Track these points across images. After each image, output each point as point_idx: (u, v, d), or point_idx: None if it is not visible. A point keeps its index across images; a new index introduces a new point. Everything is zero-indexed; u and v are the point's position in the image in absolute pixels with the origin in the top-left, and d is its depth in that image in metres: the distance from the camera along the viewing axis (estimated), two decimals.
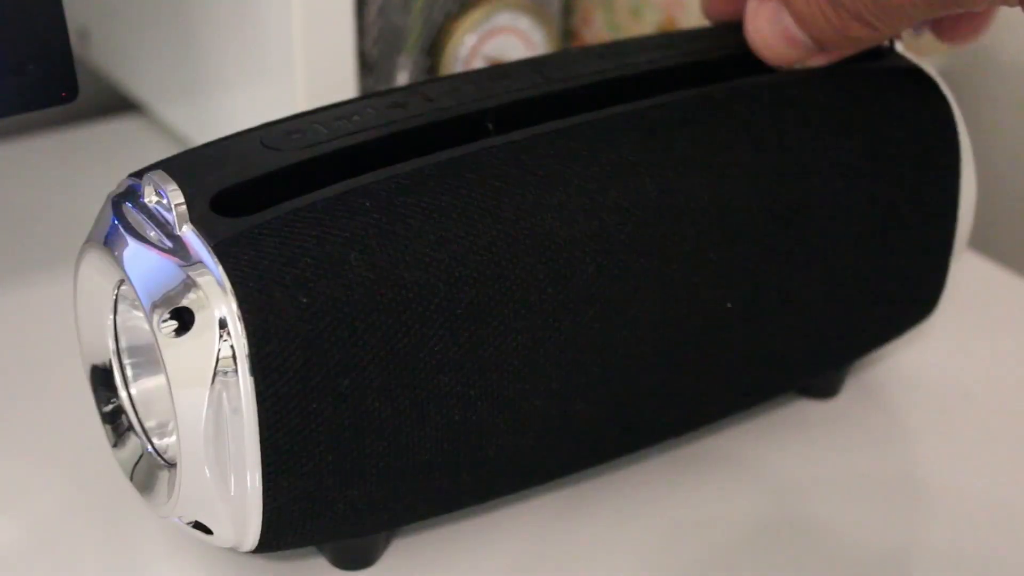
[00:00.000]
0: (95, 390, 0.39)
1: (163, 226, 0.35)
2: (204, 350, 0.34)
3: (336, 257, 0.34)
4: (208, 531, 0.37)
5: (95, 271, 0.37)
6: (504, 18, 0.57)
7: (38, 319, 0.51)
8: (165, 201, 0.35)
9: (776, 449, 0.44)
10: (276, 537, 0.36)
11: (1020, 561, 0.41)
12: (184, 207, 0.35)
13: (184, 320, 0.34)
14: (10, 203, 0.60)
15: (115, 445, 0.39)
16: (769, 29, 0.40)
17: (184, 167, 0.36)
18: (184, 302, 0.34)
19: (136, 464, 0.39)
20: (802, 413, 0.46)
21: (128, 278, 0.35)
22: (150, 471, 0.38)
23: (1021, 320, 0.52)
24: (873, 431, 0.46)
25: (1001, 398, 0.47)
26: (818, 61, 0.41)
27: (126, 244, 0.35)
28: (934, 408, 0.47)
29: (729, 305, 0.39)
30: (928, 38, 0.44)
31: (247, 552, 0.37)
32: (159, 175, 0.35)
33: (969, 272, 0.53)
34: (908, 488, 0.44)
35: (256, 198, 0.35)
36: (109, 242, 0.36)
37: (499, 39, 0.57)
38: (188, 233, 0.34)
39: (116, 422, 0.39)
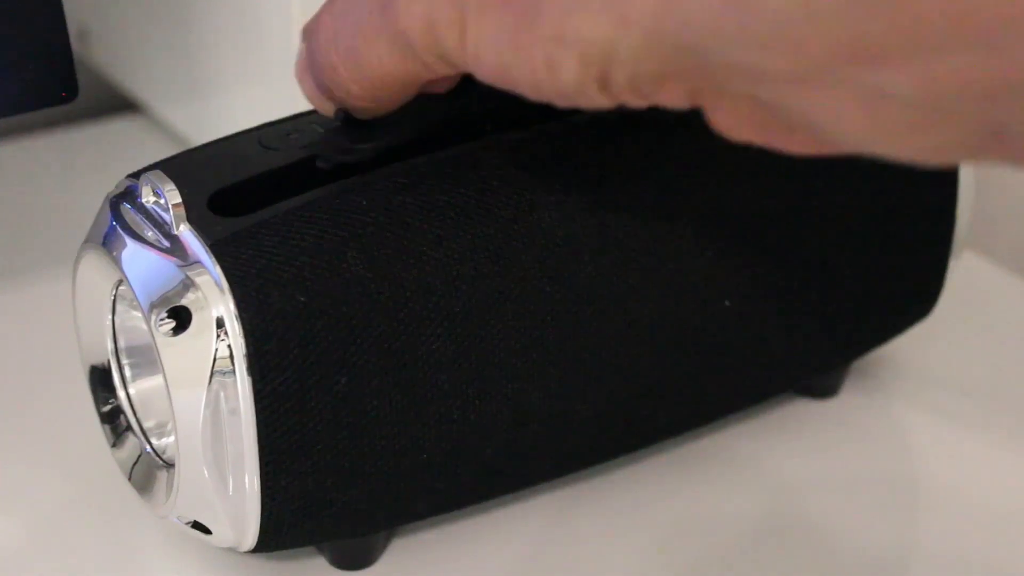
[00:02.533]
0: (94, 390, 0.39)
1: (161, 226, 0.35)
2: (202, 350, 0.34)
3: (334, 256, 0.34)
4: (207, 531, 0.37)
5: (94, 271, 0.37)
6: None
7: (37, 319, 0.51)
8: (163, 201, 0.35)
9: (776, 449, 0.44)
10: (275, 537, 0.36)
11: (1020, 561, 0.41)
12: (181, 207, 0.35)
13: (182, 320, 0.34)
14: (10, 203, 0.60)
15: (114, 445, 0.39)
16: (302, 68, 0.36)
17: (182, 167, 0.36)
18: (182, 302, 0.34)
19: (135, 464, 0.39)
20: (802, 413, 0.46)
21: (126, 278, 0.35)
22: (149, 471, 0.38)
23: (1021, 320, 0.52)
24: (873, 431, 0.45)
25: (1001, 398, 0.47)
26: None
27: (124, 244, 0.35)
28: (934, 408, 0.47)
29: (728, 303, 0.39)
30: None
31: (246, 552, 0.37)
32: (156, 175, 0.36)
33: (969, 272, 0.53)
34: (908, 488, 0.44)
35: (254, 198, 0.35)
36: (107, 242, 0.36)
37: None
38: (186, 233, 0.34)
39: (115, 422, 0.39)
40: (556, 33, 0.29)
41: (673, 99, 0.29)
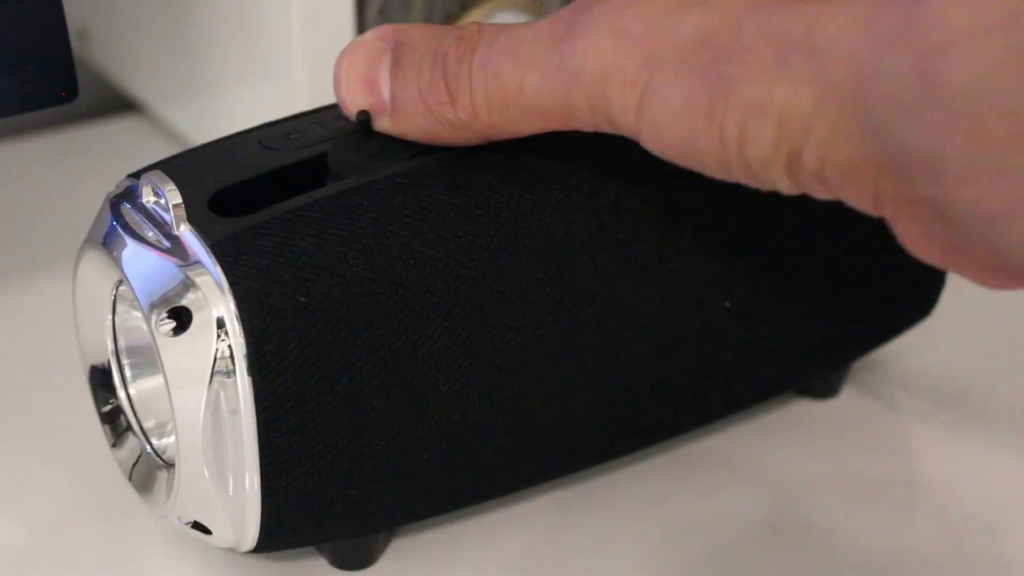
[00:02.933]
0: (94, 390, 0.39)
1: (161, 226, 0.35)
2: (202, 350, 0.34)
3: (334, 256, 0.34)
4: (207, 531, 0.37)
5: (94, 271, 0.37)
6: (504, 18, 0.57)
7: (38, 319, 0.51)
8: (163, 201, 0.35)
9: (776, 449, 0.44)
10: (275, 537, 0.36)
11: (1020, 561, 0.41)
12: (182, 207, 0.35)
13: (182, 320, 0.34)
14: (10, 203, 0.60)
15: (114, 445, 0.39)
16: (362, 62, 0.35)
17: (182, 167, 0.36)
18: (182, 302, 0.34)
19: (135, 464, 0.39)
20: (802, 413, 0.46)
21: (126, 278, 0.35)
22: (149, 471, 0.38)
23: (1021, 320, 0.52)
24: (873, 431, 0.45)
25: (1000, 398, 0.47)
26: (382, 124, 0.35)
27: (124, 244, 0.35)
28: (934, 408, 0.47)
29: (728, 304, 0.39)
30: None
31: (246, 552, 0.37)
32: (157, 175, 0.36)
33: None
34: (908, 488, 0.44)
35: (254, 198, 0.35)
36: (108, 242, 0.36)
37: None
38: (186, 233, 0.34)
39: (115, 422, 0.39)
40: (758, 100, 0.28)
41: (857, 198, 0.28)
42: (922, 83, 0.25)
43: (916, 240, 0.28)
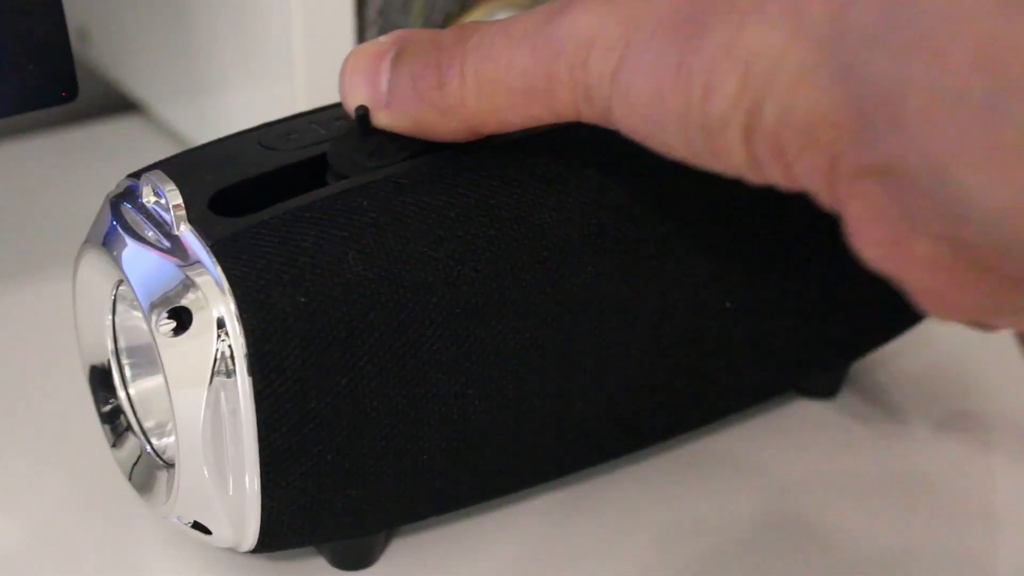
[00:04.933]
0: (94, 390, 0.39)
1: (161, 226, 0.35)
2: (202, 350, 0.34)
3: (334, 256, 0.34)
4: (207, 531, 0.37)
5: (94, 271, 0.37)
6: (504, 17, 0.57)
7: (38, 319, 0.51)
8: (163, 201, 0.35)
9: (776, 449, 0.44)
10: (275, 537, 0.36)
11: (1020, 561, 0.41)
12: (182, 207, 0.35)
13: (182, 320, 0.34)
14: (10, 203, 0.60)
15: (114, 445, 0.39)
16: (367, 59, 0.35)
17: (182, 167, 0.36)
18: (182, 302, 0.34)
19: (135, 464, 0.39)
20: (802, 413, 0.46)
21: (126, 278, 0.35)
22: (149, 471, 0.38)
23: None
24: (873, 431, 0.45)
25: (1001, 398, 0.47)
26: (379, 118, 0.36)
27: (125, 244, 0.35)
28: (934, 408, 0.47)
29: (728, 304, 0.39)
30: None
31: (246, 552, 0.37)
32: (157, 175, 0.36)
33: None
34: (908, 488, 0.44)
35: (254, 198, 0.35)
36: (108, 242, 0.36)
37: None
38: (186, 233, 0.34)
39: (115, 422, 0.39)
40: (725, 45, 0.28)
41: (812, 172, 0.28)
42: (895, 2, 0.25)
43: (865, 229, 0.28)
